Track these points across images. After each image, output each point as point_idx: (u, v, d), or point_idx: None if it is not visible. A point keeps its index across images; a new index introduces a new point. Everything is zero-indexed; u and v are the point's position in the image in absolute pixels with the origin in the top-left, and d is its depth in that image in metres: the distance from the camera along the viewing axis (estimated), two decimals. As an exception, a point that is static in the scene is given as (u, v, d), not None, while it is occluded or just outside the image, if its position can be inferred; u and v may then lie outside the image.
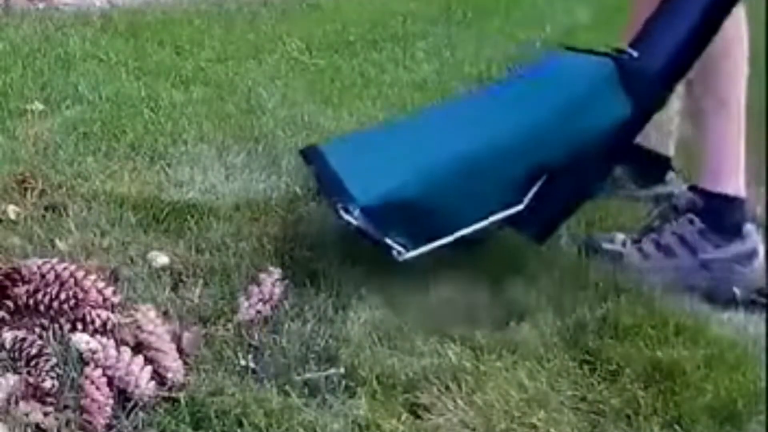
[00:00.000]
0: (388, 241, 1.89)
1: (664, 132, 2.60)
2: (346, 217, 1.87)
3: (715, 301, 2.16)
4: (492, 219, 2.00)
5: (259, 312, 1.92)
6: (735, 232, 2.22)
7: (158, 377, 1.72)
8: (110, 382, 1.68)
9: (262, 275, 2.00)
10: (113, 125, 2.80)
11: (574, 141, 2.02)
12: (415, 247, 1.91)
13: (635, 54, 2.08)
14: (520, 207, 1.99)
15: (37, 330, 1.79)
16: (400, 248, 1.89)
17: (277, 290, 1.97)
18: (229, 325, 1.89)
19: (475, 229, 1.98)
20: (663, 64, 2.06)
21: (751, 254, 2.21)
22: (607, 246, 2.27)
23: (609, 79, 2.04)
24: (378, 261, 2.14)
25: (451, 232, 1.95)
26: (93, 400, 1.64)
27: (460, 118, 2.20)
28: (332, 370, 1.78)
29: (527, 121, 2.05)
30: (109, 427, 1.63)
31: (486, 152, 2.00)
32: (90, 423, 1.61)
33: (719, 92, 2.25)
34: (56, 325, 1.80)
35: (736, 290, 2.18)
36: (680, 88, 2.35)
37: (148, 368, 1.71)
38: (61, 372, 1.70)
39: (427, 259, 2.17)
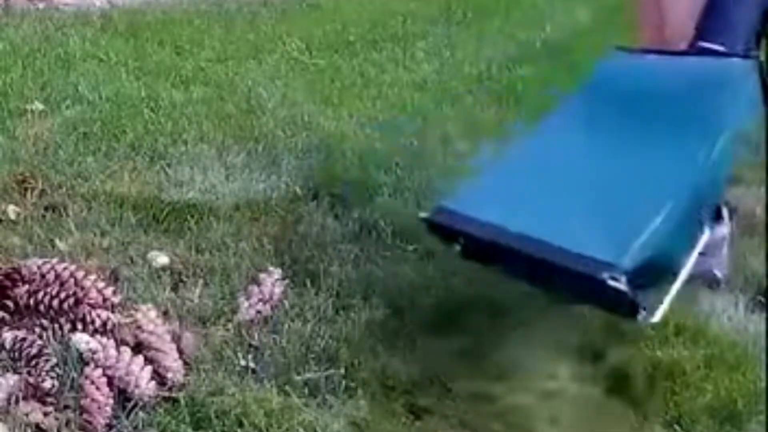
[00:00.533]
0: (639, 302, 1.76)
1: None
2: (615, 284, 1.70)
3: (703, 284, 2.15)
4: (694, 254, 1.87)
5: (259, 312, 1.92)
6: (719, 215, 2.18)
7: (158, 377, 1.72)
8: (110, 382, 1.68)
9: (262, 275, 2.00)
10: (113, 125, 2.80)
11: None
12: (654, 306, 1.80)
13: (719, 47, 2.00)
14: (707, 234, 1.90)
15: (37, 330, 1.79)
16: (644, 312, 1.77)
17: (277, 290, 1.97)
18: (229, 325, 1.89)
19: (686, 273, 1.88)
20: (745, 49, 1.99)
21: (726, 237, 2.21)
22: None
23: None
24: (378, 261, 2.14)
25: (672, 278, 1.84)
26: (93, 400, 1.64)
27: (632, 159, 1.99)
28: (332, 370, 1.78)
29: (715, 160, 1.91)
30: (109, 427, 1.63)
31: (687, 196, 1.87)
32: (90, 423, 1.61)
33: None
34: (56, 325, 1.80)
35: (717, 273, 2.18)
36: None
37: (148, 368, 1.71)
38: (61, 372, 1.70)
39: (426, 259, 2.17)
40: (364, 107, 3.14)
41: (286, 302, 1.97)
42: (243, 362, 1.80)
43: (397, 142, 2.79)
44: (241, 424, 1.63)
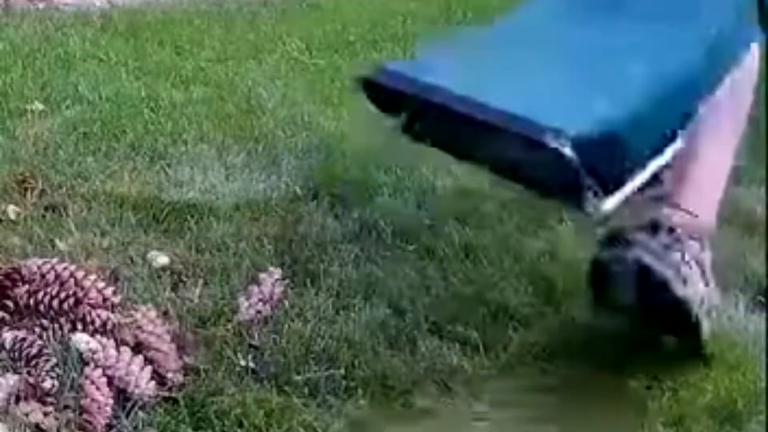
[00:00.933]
0: (585, 179, 1.55)
1: None
2: (559, 147, 1.51)
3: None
4: (659, 161, 1.68)
5: (259, 312, 1.91)
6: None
7: (158, 377, 1.72)
8: (110, 382, 1.68)
9: (262, 275, 1.99)
10: (113, 125, 2.79)
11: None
12: (606, 194, 1.59)
13: None
14: (678, 145, 1.70)
15: (37, 330, 1.79)
16: (592, 196, 1.56)
17: (277, 290, 1.97)
18: (229, 325, 1.89)
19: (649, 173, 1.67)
20: None
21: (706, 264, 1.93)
22: None
23: None
24: (378, 261, 2.14)
25: (631, 174, 1.65)
26: (93, 400, 1.64)
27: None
28: (332, 370, 1.78)
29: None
30: (108, 427, 1.63)
31: (664, 86, 1.69)
32: (90, 423, 1.61)
33: None
34: (56, 325, 1.79)
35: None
36: None
37: (148, 368, 1.71)
38: (61, 372, 1.70)
39: (426, 259, 2.17)
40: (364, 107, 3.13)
41: (286, 302, 1.97)
42: (243, 362, 1.80)
43: (397, 142, 2.79)
44: (240, 425, 1.63)
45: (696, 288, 1.79)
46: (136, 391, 1.68)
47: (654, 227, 1.83)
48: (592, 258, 1.88)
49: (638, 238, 1.82)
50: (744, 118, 2.00)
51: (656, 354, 1.89)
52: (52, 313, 1.82)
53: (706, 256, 1.86)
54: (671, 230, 1.83)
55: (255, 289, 1.96)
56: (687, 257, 1.81)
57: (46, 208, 2.29)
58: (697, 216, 1.86)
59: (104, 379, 1.67)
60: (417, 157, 2.69)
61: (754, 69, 1.99)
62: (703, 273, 1.83)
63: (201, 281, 2.04)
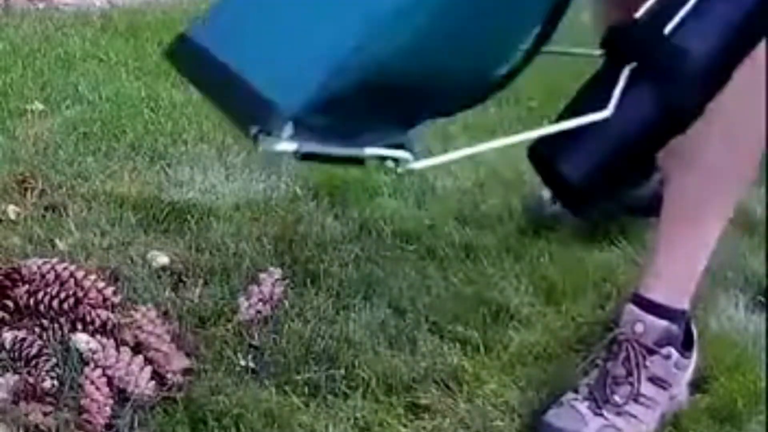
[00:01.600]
0: (376, 151, 1.23)
1: None
2: (271, 145, 1.21)
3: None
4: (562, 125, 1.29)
5: (259, 312, 1.92)
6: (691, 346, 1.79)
7: (158, 377, 1.72)
8: (110, 382, 1.68)
9: (262, 275, 1.99)
10: (113, 125, 2.79)
11: None
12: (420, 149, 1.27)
13: None
14: (606, 113, 1.24)
15: (37, 330, 1.79)
16: (404, 154, 1.24)
17: (277, 290, 1.97)
18: (229, 325, 1.89)
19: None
20: None
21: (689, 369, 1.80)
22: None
23: None
24: (378, 261, 2.14)
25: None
26: (93, 400, 1.64)
27: None
28: (332, 371, 1.78)
29: None
30: (108, 426, 1.63)
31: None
32: (89, 423, 1.61)
33: None
34: (56, 325, 1.79)
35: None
36: None
37: (148, 368, 1.71)
38: (61, 372, 1.70)
39: (426, 259, 2.17)
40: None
41: (286, 302, 1.97)
42: (243, 362, 1.80)
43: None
44: (240, 425, 1.63)
45: None
46: (136, 391, 1.68)
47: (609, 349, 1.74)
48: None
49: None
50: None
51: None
52: (52, 313, 1.82)
53: (671, 361, 1.72)
54: (626, 356, 1.71)
55: (255, 289, 1.96)
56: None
57: (46, 208, 2.29)
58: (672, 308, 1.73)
59: (104, 379, 1.67)
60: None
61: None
62: (661, 387, 1.72)
63: (201, 281, 2.04)
